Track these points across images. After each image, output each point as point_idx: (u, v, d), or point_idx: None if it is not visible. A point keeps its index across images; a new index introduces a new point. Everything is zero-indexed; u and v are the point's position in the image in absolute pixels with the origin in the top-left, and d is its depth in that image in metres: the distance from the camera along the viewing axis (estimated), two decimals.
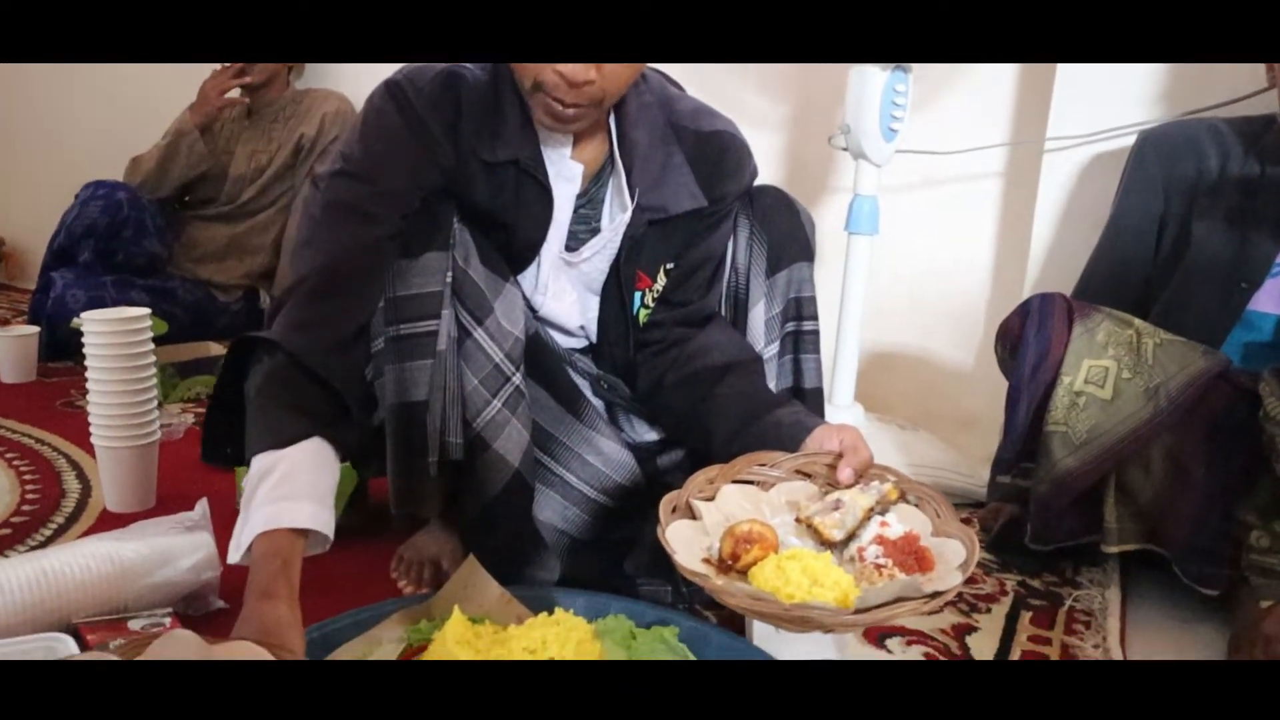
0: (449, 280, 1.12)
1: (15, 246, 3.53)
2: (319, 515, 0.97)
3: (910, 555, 0.93)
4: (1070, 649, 1.27)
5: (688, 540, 0.97)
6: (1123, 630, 1.32)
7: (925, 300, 2.13)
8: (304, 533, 0.96)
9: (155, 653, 0.73)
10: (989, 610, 1.37)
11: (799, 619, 0.84)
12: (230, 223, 2.62)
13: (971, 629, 1.31)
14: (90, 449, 1.73)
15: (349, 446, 1.08)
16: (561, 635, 0.86)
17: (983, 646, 1.26)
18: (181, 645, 0.74)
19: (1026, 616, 1.36)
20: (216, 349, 2.35)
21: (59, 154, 3.37)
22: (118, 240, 2.43)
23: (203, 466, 1.71)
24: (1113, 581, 1.46)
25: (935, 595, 0.87)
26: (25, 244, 3.50)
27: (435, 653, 0.85)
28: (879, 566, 0.93)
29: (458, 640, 0.85)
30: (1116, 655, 1.24)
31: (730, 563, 0.94)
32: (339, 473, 1.06)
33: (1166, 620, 1.37)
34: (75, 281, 2.38)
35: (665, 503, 0.99)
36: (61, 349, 2.33)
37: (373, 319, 1.12)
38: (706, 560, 0.97)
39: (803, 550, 0.94)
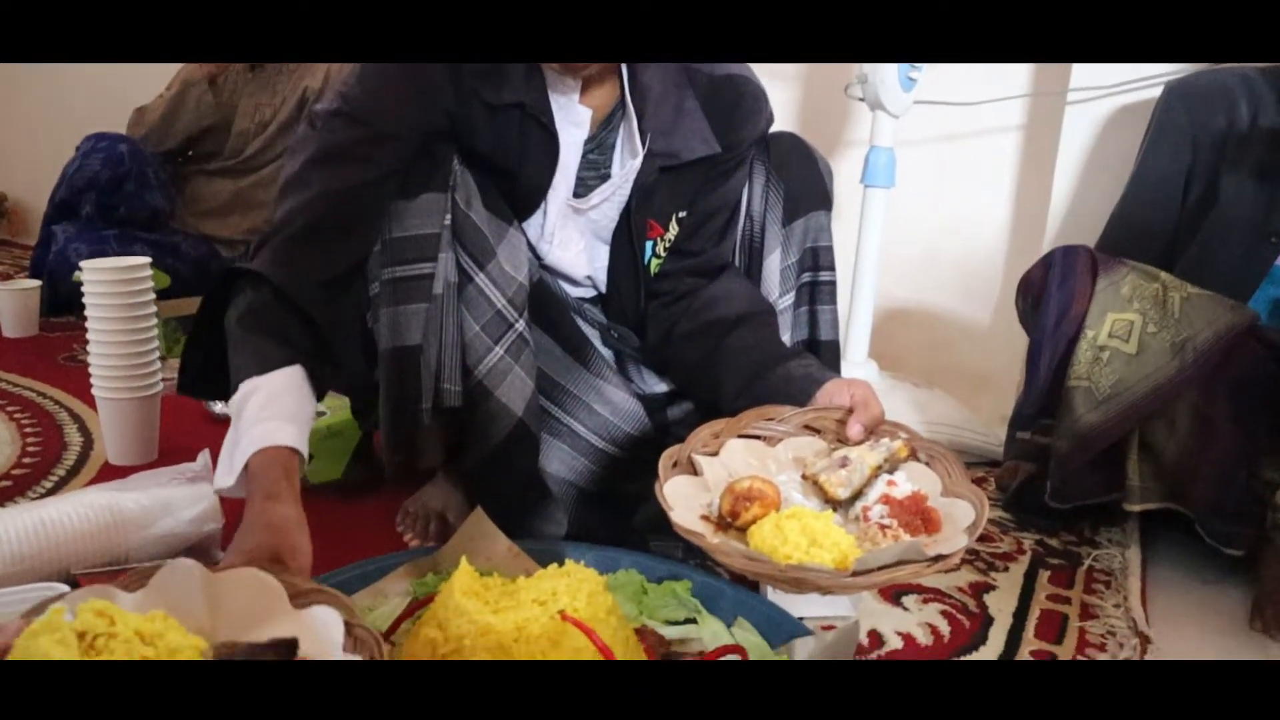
0: (447, 223, 1.08)
1: (17, 202, 3.49)
2: (301, 440, 0.94)
3: (916, 516, 0.90)
4: (1090, 608, 1.24)
5: (687, 496, 0.94)
6: (1143, 590, 1.29)
7: (941, 256, 2.09)
8: (294, 454, 0.93)
9: (160, 583, 0.71)
10: (1006, 569, 1.34)
11: (794, 580, 0.81)
12: (234, 177, 2.58)
13: (989, 587, 1.28)
14: (92, 402, 1.70)
15: (326, 382, 1.05)
16: (572, 586, 0.83)
17: (1001, 604, 1.23)
18: (184, 573, 0.71)
19: (1045, 575, 1.33)
20: None
21: (61, 108, 3.33)
22: (120, 194, 2.39)
23: (206, 420, 1.70)
24: (1132, 541, 1.43)
25: (939, 559, 0.83)
26: (28, 200, 3.46)
27: (441, 604, 0.83)
28: (883, 527, 0.89)
29: (465, 591, 0.82)
30: (1138, 615, 1.21)
31: (729, 520, 0.91)
32: (315, 407, 1.02)
33: (1188, 581, 1.35)
34: (77, 235, 2.35)
35: (665, 457, 0.96)
36: (63, 304, 2.31)
37: (369, 263, 1.08)
38: (705, 518, 0.94)
39: (803, 509, 0.90)
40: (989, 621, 1.19)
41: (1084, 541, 1.45)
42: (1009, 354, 2.01)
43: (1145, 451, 1.33)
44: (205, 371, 1.07)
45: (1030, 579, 1.32)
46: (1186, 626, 1.22)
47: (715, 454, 1.00)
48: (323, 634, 0.68)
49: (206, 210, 2.58)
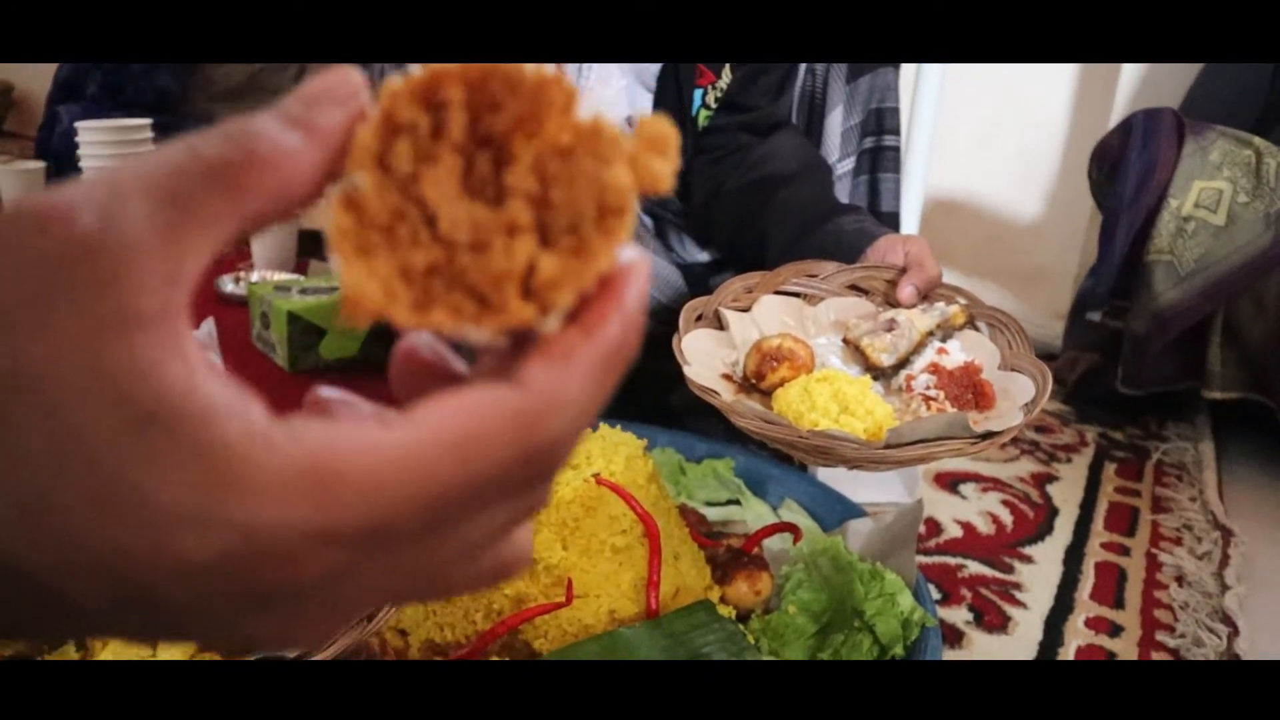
0: None
1: (25, 93, 3.39)
2: None
3: (967, 389, 0.79)
4: (1162, 501, 1.15)
5: (708, 353, 0.84)
6: (1219, 485, 1.20)
7: (996, 141, 1.95)
8: None
9: None
10: (1069, 460, 1.25)
11: (816, 448, 0.71)
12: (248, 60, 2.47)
13: (1052, 478, 1.19)
14: None
15: None
16: (608, 450, 0.74)
17: (1065, 495, 1.14)
18: None
19: (1111, 468, 1.24)
20: None
21: None
22: (126, 73, 2.29)
23: (214, 299, 1.61)
24: (1204, 435, 1.33)
25: (987, 436, 0.72)
26: (34, 90, 3.35)
27: None
28: (927, 399, 0.79)
29: None
30: (1217, 508, 1.11)
31: (755, 381, 0.81)
32: None
33: (1265, 477, 1.25)
34: (82, 116, 2.23)
35: (688, 309, 0.85)
36: None
37: None
38: (727, 376, 0.84)
39: (836, 373, 0.79)
40: (1054, 512, 1.10)
41: (1150, 435, 1.35)
42: (1064, 246, 1.89)
43: (1229, 335, 1.22)
44: None
45: (1095, 471, 1.23)
46: (1266, 524, 1.13)
47: (746, 310, 0.90)
48: None
49: (219, 93, 2.47)
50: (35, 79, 3.30)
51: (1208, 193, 1.17)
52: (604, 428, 0.81)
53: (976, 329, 0.89)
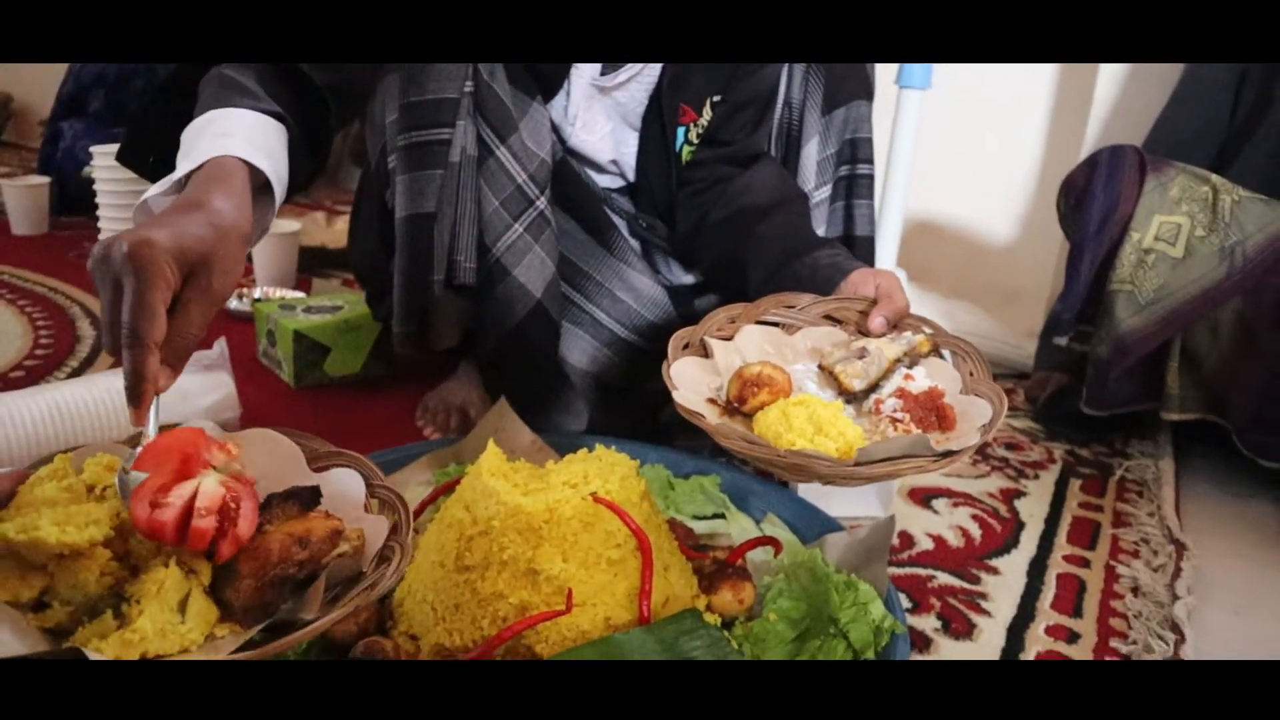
0: (467, 89, 1.03)
1: (24, 104, 3.43)
2: (271, 170, 0.84)
3: (930, 411, 0.85)
4: (1123, 516, 1.22)
5: (694, 379, 0.90)
6: (1177, 501, 1.27)
7: (975, 165, 2.03)
8: (253, 171, 0.83)
9: None
10: (1037, 477, 1.32)
11: (793, 466, 0.77)
12: None
13: (1020, 494, 1.26)
14: None
15: (303, 164, 0.95)
16: (604, 469, 0.81)
17: (1032, 510, 1.21)
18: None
19: (1076, 484, 1.31)
20: None
21: None
22: (128, 90, 2.33)
23: (219, 315, 1.67)
24: (1165, 453, 1.41)
25: (948, 455, 0.79)
26: (33, 102, 3.40)
27: (469, 486, 0.80)
28: (894, 420, 0.85)
29: (493, 473, 0.80)
30: (1173, 523, 1.18)
31: (737, 405, 0.87)
32: (286, 168, 0.90)
33: (1220, 493, 1.32)
34: (85, 132, 2.29)
35: (676, 338, 0.92)
36: (72, 201, 2.26)
37: (387, 132, 1.03)
38: (711, 401, 0.90)
39: (811, 397, 0.86)
40: (1020, 526, 1.17)
41: (1115, 453, 1.42)
42: (1039, 269, 1.96)
43: (1186, 360, 1.29)
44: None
45: (1061, 487, 1.29)
46: (1221, 538, 1.20)
47: (729, 339, 0.96)
48: (344, 492, 0.66)
49: None
50: (34, 90, 3.35)
51: (1167, 226, 1.24)
52: (599, 449, 0.87)
53: (941, 356, 0.96)
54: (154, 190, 0.82)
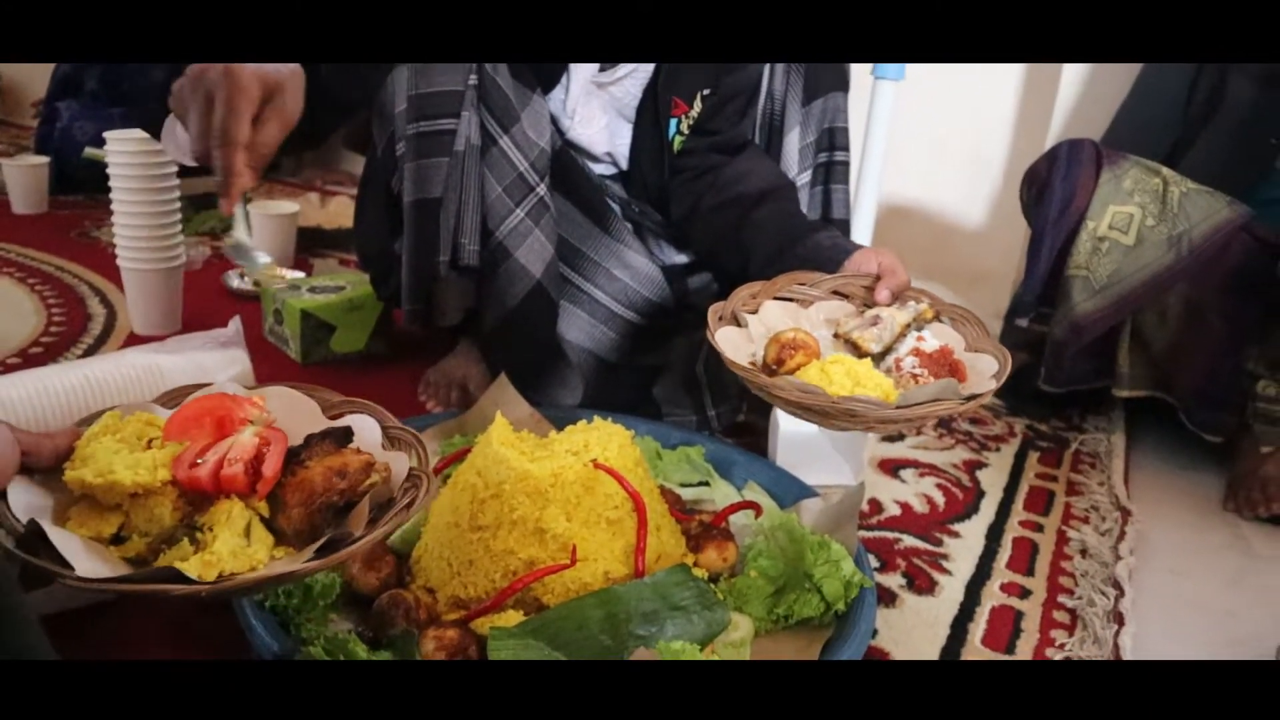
0: (471, 82, 1.10)
1: (11, 81, 3.44)
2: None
3: (945, 367, 0.96)
4: (1076, 485, 1.32)
5: (735, 345, 1.00)
6: (1126, 471, 1.37)
7: (946, 151, 2.12)
8: None
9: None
10: (998, 449, 1.41)
11: (845, 412, 0.87)
12: None
13: (982, 465, 1.35)
14: (111, 275, 1.74)
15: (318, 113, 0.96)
16: (603, 438, 0.89)
17: (992, 480, 1.31)
18: (218, 391, 0.77)
19: (1034, 456, 1.41)
20: None
21: None
22: (124, 70, 2.38)
23: (224, 295, 1.74)
24: (1118, 427, 1.51)
25: (973, 398, 0.90)
26: (20, 78, 3.42)
27: (480, 453, 0.88)
28: (915, 376, 0.96)
29: (503, 442, 0.88)
30: (1120, 492, 1.28)
31: (775, 367, 0.97)
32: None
33: (1167, 465, 1.42)
34: (82, 113, 2.34)
35: (712, 311, 1.01)
36: (70, 181, 2.31)
37: (396, 123, 1.11)
38: (751, 364, 1.00)
39: (844, 356, 0.96)
40: (981, 495, 1.27)
41: (1072, 427, 1.52)
42: (1005, 252, 2.06)
43: (1136, 341, 1.39)
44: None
45: (1020, 459, 1.39)
46: (1164, 505, 1.30)
47: (754, 313, 1.06)
48: (361, 434, 0.74)
49: None
50: (22, 68, 3.36)
51: (1120, 216, 1.33)
52: (597, 420, 0.96)
53: (941, 322, 1.06)
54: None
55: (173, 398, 0.80)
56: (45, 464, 0.69)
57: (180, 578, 0.59)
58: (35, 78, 3.25)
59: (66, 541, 0.62)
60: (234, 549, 0.64)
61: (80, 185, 2.30)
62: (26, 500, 0.65)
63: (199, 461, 0.67)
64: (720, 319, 1.01)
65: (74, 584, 0.59)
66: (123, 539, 0.67)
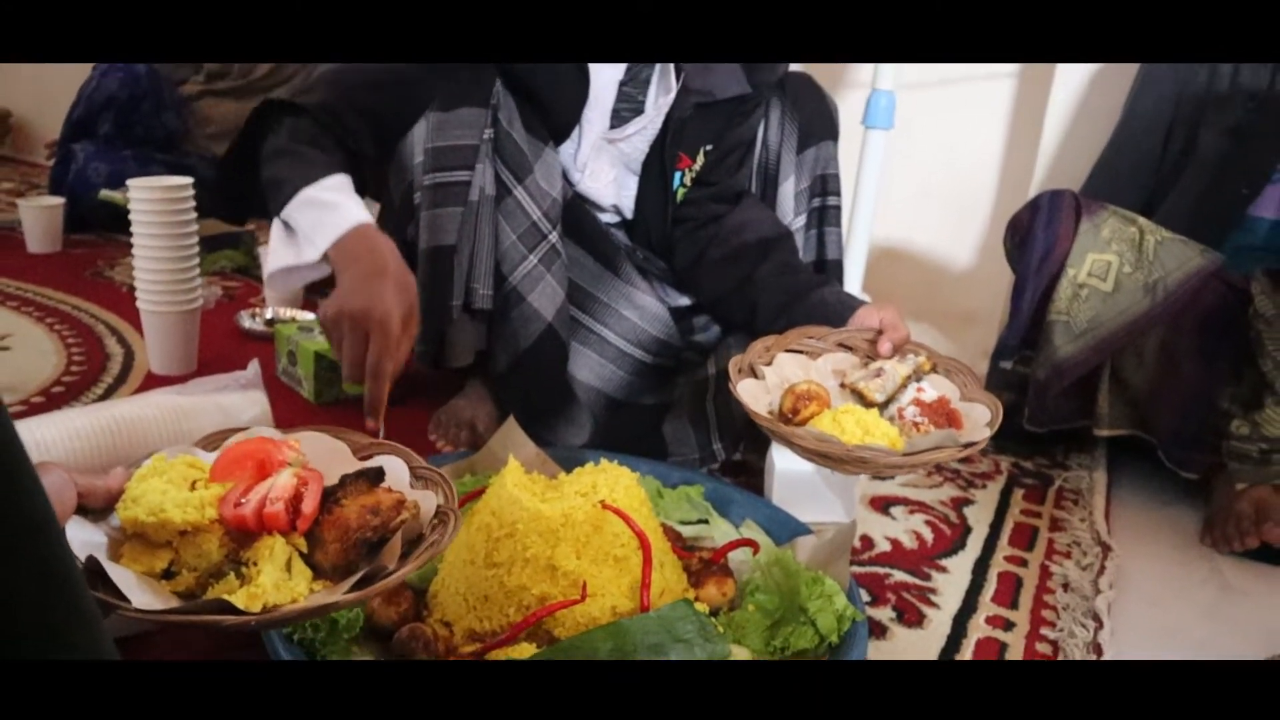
0: (487, 136, 1.18)
1: (22, 119, 3.51)
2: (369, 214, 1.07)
3: (943, 416, 1.04)
4: (1058, 521, 1.37)
5: (753, 395, 1.08)
6: (1107, 508, 1.43)
7: (934, 196, 2.19)
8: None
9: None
10: (984, 486, 1.47)
11: (858, 459, 0.95)
12: (241, 99, 2.62)
13: (969, 502, 1.41)
14: (126, 314, 1.80)
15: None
16: (610, 480, 0.95)
17: (979, 517, 1.36)
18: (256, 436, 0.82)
19: (1019, 493, 1.46)
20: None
21: None
22: (137, 114, 2.45)
23: (236, 335, 1.79)
24: (1099, 465, 1.57)
25: (970, 445, 0.99)
26: (31, 116, 3.49)
27: (494, 494, 0.94)
28: (916, 424, 1.04)
29: (516, 484, 0.93)
30: (1101, 528, 1.34)
31: (789, 417, 1.04)
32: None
33: (1148, 502, 1.48)
34: (96, 154, 2.40)
35: (733, 364, 1.10)
36: (84, 222, 2.37)
37: (414, 173, 1.18)
38: (769, 413, 1.07)
39: (854, 407, 1.05)
40: (968, 531, 1.32)
41: (1056, 465, 1.58)
42: (993, 293, 2.12)
43: (1115, 382, 1.45)
44: (233, 195, 1.22)
45: (1006, 496, 1.45)
46: (1144, 540, 1.35)
47: (768, 364, 1.13)
48: (391, 475, 0.80)
49: (217, 132, 2.63)
50: (32, 107, 3.44)
51: (1099, 263, 1.40)
52: (604, 462, 1.01)
53: (938, 373, 1.14)
54: (280, 263, 1.06)
55: (212, 441, 0.85)
56: (99, 504, 0.74)
57: (230, 609, 0.65)
58: (45, 115, 3.33)
59: (122, 576, 0.67)
60: (277, 582, 0.69)
61: (92, 224, 2.36)
62: (84, 538, 0.71)
63: (243, 501, 0.73)
64: (740, 371, 1.09)
65: (131, 615, 0.64)
66: (173, 574, 0.72)
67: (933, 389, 1.11)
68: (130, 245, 1.50)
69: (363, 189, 1.15)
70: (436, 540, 0.73)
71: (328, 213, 1.03)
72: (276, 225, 1.09)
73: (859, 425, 1.00)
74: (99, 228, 2.38)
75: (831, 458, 0.98)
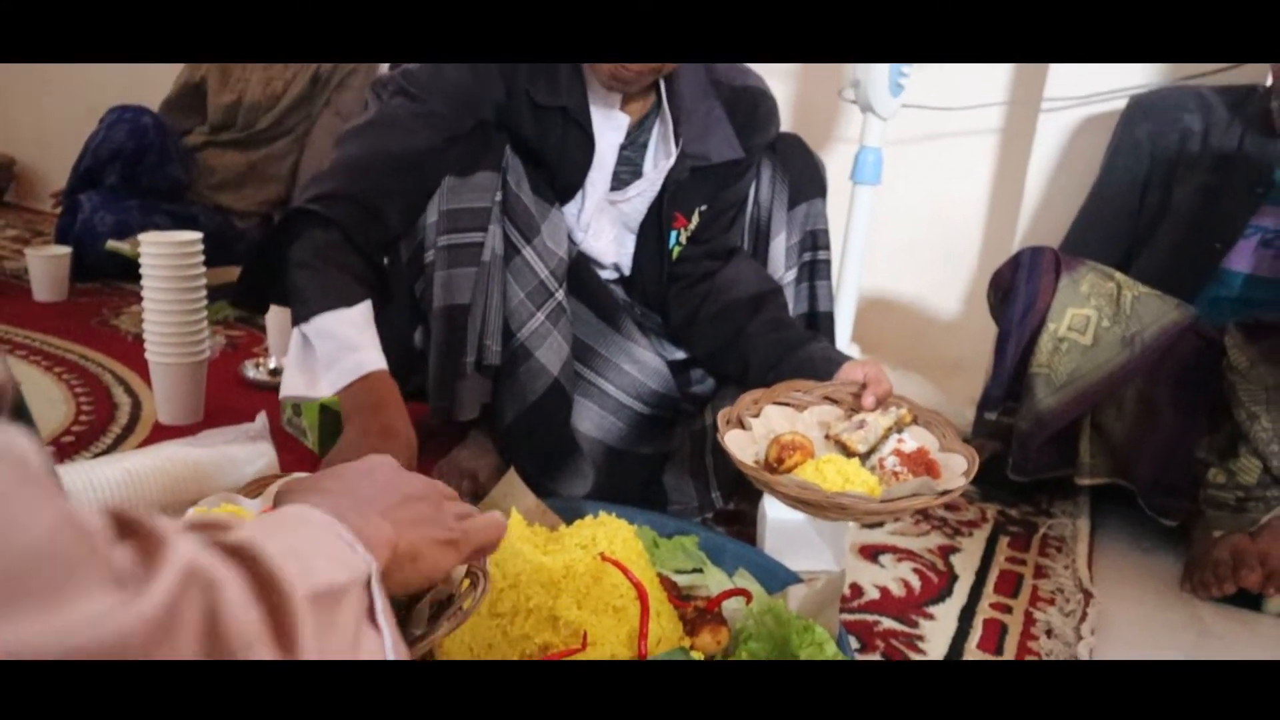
0: (498, 199, 1.23)
1: (26, 167, 3.57)
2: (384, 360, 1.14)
3: (922, 465, 1.09)
4: (1043, 568, 1.41)
5: (741, 446, 1.13)
6: (1090, 554, 1.47)
7: (920, 249, 2.25)
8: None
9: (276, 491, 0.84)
10: (971, 534, 1.51)
11: (837, 505, 1.00)
12: (246, 150, 2.66)
13: (955, 549, 1.45)
14: (132, 363, 1.84)
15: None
16: (609, 533, 0.99)
17: (965, 564, 1.40)
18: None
19: (1005, 541, 1.50)
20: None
21: (65, 75, 3.40)
22: (143, 165, 2.50)
23: (240, 384, 1.83)
24: (1083, 513, 1.61)
25: (946, 493, 1.04)
26: (35, 165, 3.54)
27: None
28: (896, 474, 1.09)
29: (518, 537, 0.97)
30: (1083, 575, 1.38)
31: (774, 466, 1.09)
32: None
33: (1130, 548, 1.52)
34: (102, 204, 2.45)
35: (721, 415, 1.15)
36: (89, 270, 2.41)
37: (426, 233, 1.24)
38: (756, 463, 1.11)
39: (836, 457, 1.10)
40: (954, 578, 1.36)
41: (1040, 512, 1.62)
42: (979, 343, 2.17)
43: (1096, 432, 1.50)
44: (259, 289, 1.30)
45: (991, 544, 1.49)
46: (1126, 586, 1.40)
47: (756, 416, 1.18)
48: None
49: (221, 183, 2.67)
50: (36, 154, 3.50)
51: (1078, 318, 1.46)
52: (603, 515, 1.05)
53: (918, 425, 1.19)
54: (292, 392, 1.15)
55: (254, 488, 0.89)
56: None
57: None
58: (48, 162, 3.39)
59: None
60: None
61: (97, 273, 2.41)
62: None
63: None
64: (728, 423, 1.13)
65: None
66: None
67: (913, 440, 1.15)
68: (135, 294, 1.55)
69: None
70: (470, 601, 0.73)
71: (345, 353, 1.10)
72: (296, 337, 1.16)
73: (840, 474, 1.05)
74: (105, 277, 2.42)
75: (812, 504, 1.03)
